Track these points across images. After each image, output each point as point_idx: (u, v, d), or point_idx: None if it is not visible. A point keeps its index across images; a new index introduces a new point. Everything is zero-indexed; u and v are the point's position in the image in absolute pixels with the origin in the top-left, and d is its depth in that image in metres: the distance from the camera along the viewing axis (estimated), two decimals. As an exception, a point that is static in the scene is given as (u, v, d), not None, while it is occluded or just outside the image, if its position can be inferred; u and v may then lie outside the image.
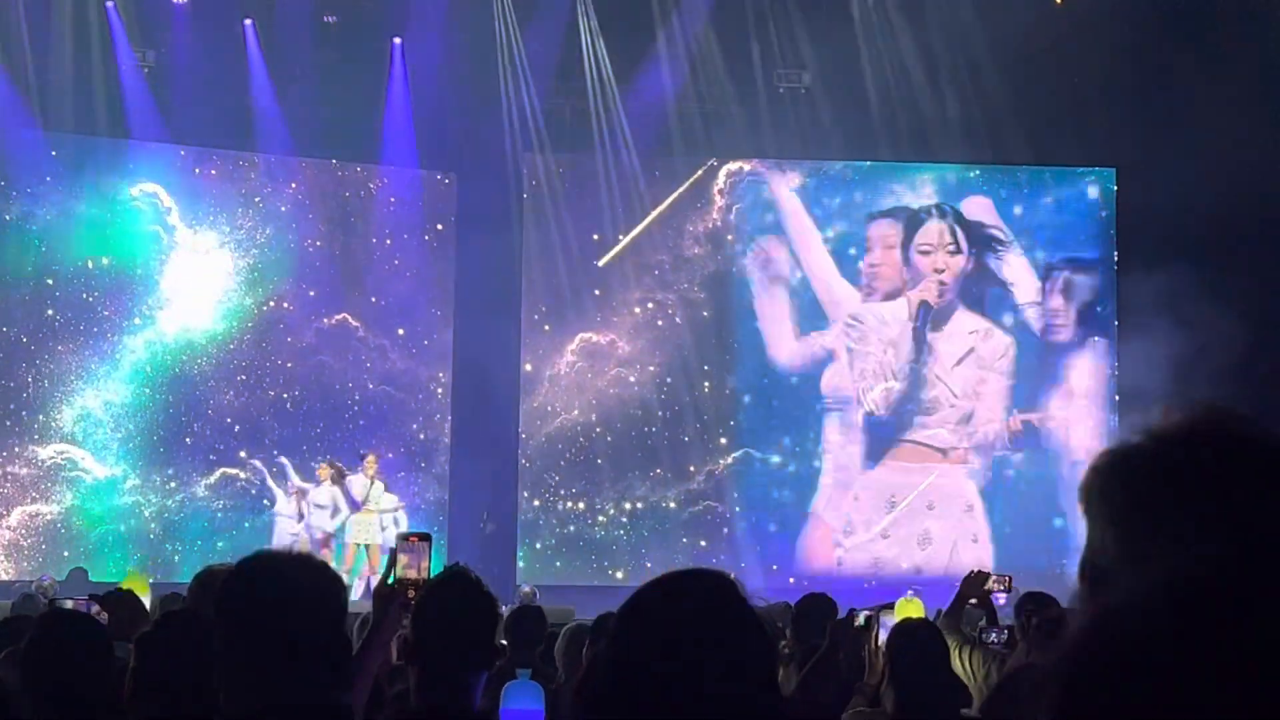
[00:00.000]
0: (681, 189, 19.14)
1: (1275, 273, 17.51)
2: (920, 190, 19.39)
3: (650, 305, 19.05)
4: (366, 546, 16.38)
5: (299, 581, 2.71)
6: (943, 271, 19.21)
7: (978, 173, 19.47)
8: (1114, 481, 1.42)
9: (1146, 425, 1.44)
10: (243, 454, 17.87)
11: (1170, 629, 0.88)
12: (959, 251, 19.27)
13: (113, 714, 3.67)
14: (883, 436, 19.06)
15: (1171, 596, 0.91)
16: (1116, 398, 19.15)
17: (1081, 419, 19.23)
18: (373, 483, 16.83)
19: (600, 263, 18.81)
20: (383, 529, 16.65)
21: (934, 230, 19.31)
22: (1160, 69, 17.74)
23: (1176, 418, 1.43)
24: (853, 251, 19.30)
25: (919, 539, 18.84)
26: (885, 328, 19.14)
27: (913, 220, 19.33)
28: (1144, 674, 0.87)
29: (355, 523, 16.65)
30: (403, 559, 3.53)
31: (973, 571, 6.87)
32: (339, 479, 16.74)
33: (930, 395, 19.10)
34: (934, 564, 18.63)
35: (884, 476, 19.02)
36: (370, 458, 17.10)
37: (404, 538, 3.60)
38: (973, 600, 6.79)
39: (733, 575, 2.14)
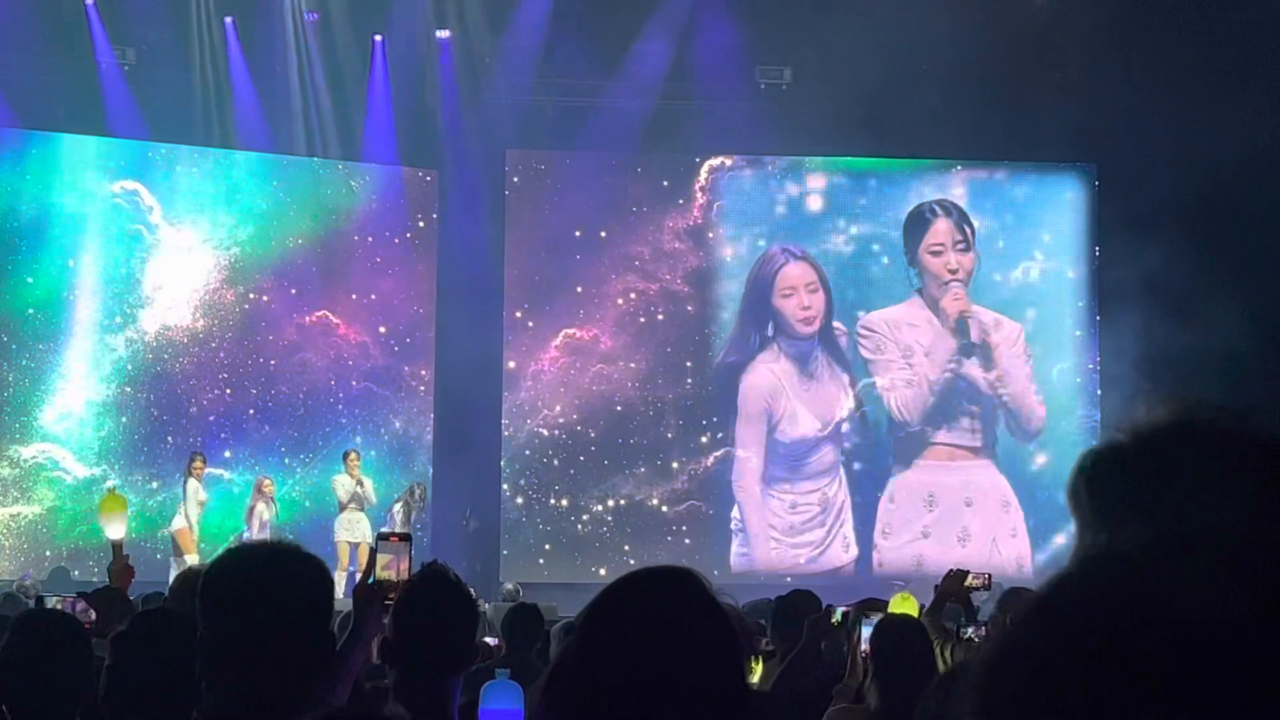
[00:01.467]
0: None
1: (1259, 266, 17.56)
2: (902, 188, 19.40)
3: (633, 298, 19.01)
4: (355, 545, 16.20)
5: (285, 572, 2.65)
6: (956, 272, 19.16)
7: (960, 168, 19.49)
8: (1102, 481, 1.40)
9: (1129, 421, 1.43)
10: (227, 454, 17.82)
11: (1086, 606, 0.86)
12: (969, 249, 19.24)
13: (91, 714, 3.66)
14: (913, 441, 19.03)
15: (1088, 577, 0.89)
16: (1099, 392, 19.19)
17: (1064, 414, 19.27)
18: (359, 483, 16.68)
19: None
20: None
21: (942, 230, 19.25)
22: (1141, 64, 17.77)
23: (1158, 413, 1.43)
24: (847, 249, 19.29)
25: (958, 537, 18.78)
26: (899, 332, 19.09)
27: (917, 220, 19.26)
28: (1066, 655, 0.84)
29: (343, 522, 16.54)
30: (383, 559, 3.52)
31: (952, 570, 6.92)
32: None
33: (960, 399, 19.08)
34: (973, 561, 18.60)
35: (912, 477, 18.99)
36: (353, 455, 16.97)
37: (384, 537, 3.59)
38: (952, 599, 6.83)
39: (710, 572, 2.13)
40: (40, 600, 5.55)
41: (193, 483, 16.23)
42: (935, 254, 19.18)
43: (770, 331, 19.06)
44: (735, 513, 18.80)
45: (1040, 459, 19.08)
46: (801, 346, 19.03)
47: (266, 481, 16.73)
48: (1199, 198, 17.27)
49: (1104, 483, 1.41)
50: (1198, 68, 17.19)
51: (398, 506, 16.82)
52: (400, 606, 3.39)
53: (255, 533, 16.08)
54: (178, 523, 16.16)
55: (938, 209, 19.28)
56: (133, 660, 3.43)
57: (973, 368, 19.08)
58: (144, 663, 3.40)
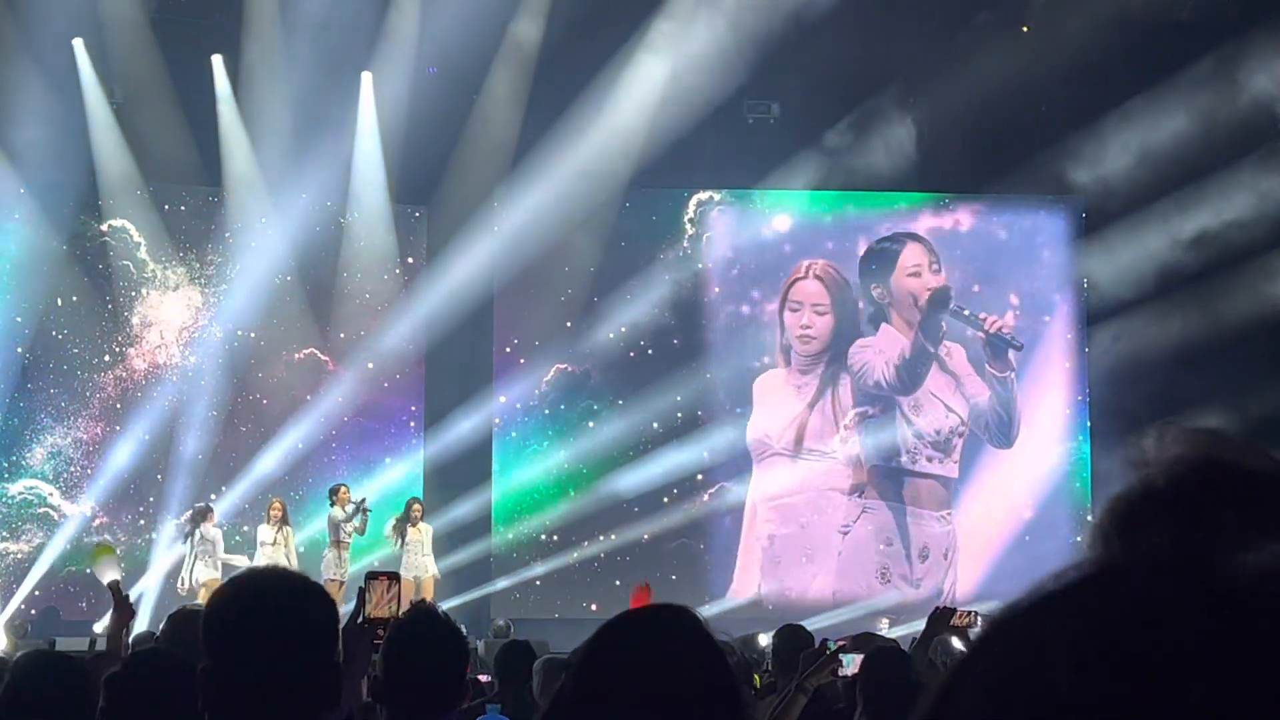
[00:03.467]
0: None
1: (1244, 297, 17.63)
2: (891, 222, 19.44)
3: (623, 331, 18.98)
4: (342, 584, 15.82)
5: (291, 603, 2.61)
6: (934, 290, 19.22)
7: (947, 201, 19.53)
8: (1139, 527, 1.36)
9: (1150, 459, 1.40)
10: (212, 496, 17.73)
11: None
12: (940, 271, 19.25)
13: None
14: (893, 472, 19.03)
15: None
16: (1089, 424, 19.20)
17: (1053, 446, 19.27)
18: (363, 514, 16.22)
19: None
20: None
21: (917, 251, 19.25)
22: (1127, 96, 17.87)
23: (1176, 448, 1.39)
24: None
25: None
26: (879, 356, 19.09)
27: (880, 255, 19.28)
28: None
29: (330, 561, 16.19)
30: (372, 597, 3.53)
31: (938, 608, 6.96)
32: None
33: (945, 424, 19.04)
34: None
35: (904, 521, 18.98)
36: (343, 489, 16.67)
37: (373, 576, 3.60)
38: (940, 636, 6.87)
39: (700, 609, 2.14)
40: (53, 644, 5.56)
41: (215, 531, 16.02)
42: (913, 276, 19.18)
43: (780, 342, 19.13)
44: (766, 538, 18.83)
45: (1027, 513, 19.04)
46: (803, 364, 19.05)
47: (275, 503, 16.39)
48: (1188, 228, 17.37)
49: (1141, 529, 1.37)
50: (1186, 100, 17.29)
51: (392, 529, 16.53)
52: (390, 645, 3.40)
53: (258, 556, 15.74)
54: (209, 574, 15.75)
55: (902, 238, 19.30)
56: (126, 702, 3.43)
57: (953, 396, 19.10)
58: (137, 702, 3.40)
